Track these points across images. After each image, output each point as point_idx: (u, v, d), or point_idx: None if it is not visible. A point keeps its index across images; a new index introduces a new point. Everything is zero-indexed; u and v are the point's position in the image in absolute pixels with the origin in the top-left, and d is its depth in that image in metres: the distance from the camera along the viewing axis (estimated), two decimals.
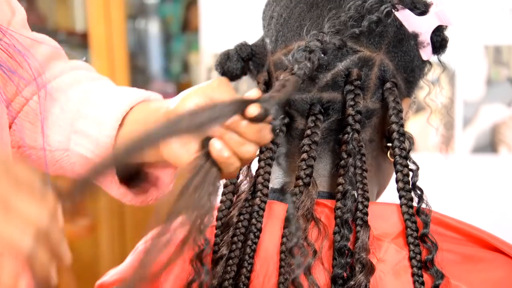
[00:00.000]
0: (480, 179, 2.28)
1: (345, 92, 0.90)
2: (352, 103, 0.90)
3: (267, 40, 0.97)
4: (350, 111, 0.90)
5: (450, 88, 2.19)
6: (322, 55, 0.86)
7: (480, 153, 2.27)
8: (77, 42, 3.71)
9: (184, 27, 4.08)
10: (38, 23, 3.76)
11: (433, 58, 0.99)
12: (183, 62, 4.10)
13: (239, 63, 1.00)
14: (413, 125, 2.12)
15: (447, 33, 0.98)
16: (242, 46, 1.00)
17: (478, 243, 0.91)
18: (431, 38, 0.95)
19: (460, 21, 2.21)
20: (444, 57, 0.99)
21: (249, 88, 0.97)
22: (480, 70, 2.25)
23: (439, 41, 0.97)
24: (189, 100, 0.82)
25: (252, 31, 1.06)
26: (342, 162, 0.89)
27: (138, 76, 3.90)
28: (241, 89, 2.61)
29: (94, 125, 0.96)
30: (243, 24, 2.29)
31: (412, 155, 0.92)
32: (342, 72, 0.90)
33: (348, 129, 0.90)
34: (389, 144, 0.92)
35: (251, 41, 1.02)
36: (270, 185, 0.94)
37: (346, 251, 0.86)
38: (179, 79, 4.09)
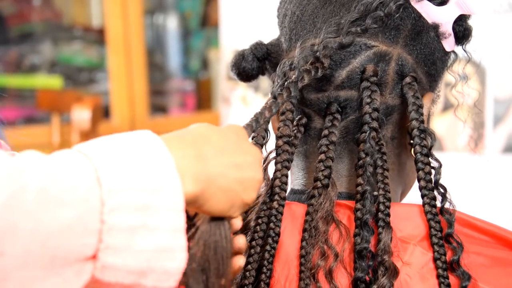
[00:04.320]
0: (511, 179, 2.25)
1: (361, 89, 0.89)
2: (368, 100, 0.89)
3: (282, 39, 0.97)
4: (367, 108, 0.89)
5: (480, 85, 2.16)
6: (324, 62, 0.87)
7: (511, 153, 2.24)
8: (93, 38, 3.72)
9: (203, 22, 4.07)
10: (54, 19, 3.75)
11: (460, 51, 0.97)
12: (202, 59, 4.10)
13: (255, 62, 1.00)
14: (441, 123, 2.09)
15: (470, 22, 0.96)
16: (257, 45, 1.00)
17: (508, 246, 0.89)
18: (453, 28, 0.94)
19: (490, 15, 2.18)
20: (471, 50, 0.97)
21: (270, 86, 0.93)
22: (511, 66, 2.22)
23: (461, 31, 0.95)
24: None
25: (273, 25, 1.04)
26: (360, 161, 0.88)
27: (156, 73, 3.89)
28: (262, 86, 2.56)
29: None
30: (264, 19, 2.26)
31: (441, 154, 0.88)
32: (358, 69, 0.90)
33: (365, 127, 0.89)
34: (412, 142, 0.91)
35: (272, 36, 1.01)
36: (291, 186, 0.94)
37: (367, 254, 0.85)
38: (198, 76, 4.08)
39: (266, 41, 1.01)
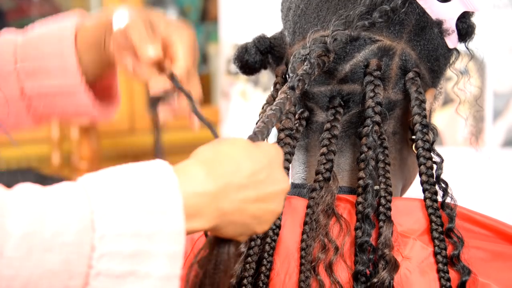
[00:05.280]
0: (511, 173, 2.25)
1: (365, 83, 0.89)
2: (371, 94, 0.89)
3: (285, 32, 0.96)
4: (370, 102, 0.89)
5: (480, 79, 2.16)
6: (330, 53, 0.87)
7: (511, 147, 2.24)
8: None
9: (202, 16, 4.06)
10: (52, 13, 3.74)
11: (462, 47, 0.97)
12: (201, 53, 4.08)
13: (258, 56, 1.00)
14: (441, 118, 2.09)
15: (474, 20, 0.96)
16: (261, 38, 1.00)
17: (508, 240, 0.89)
18: (457, 25, 0.94)
19: (490, 10, 2.18)
20: (473, 46, 0.97)
21: (269, 80, 0.93)
22: (511, 60, 2.22)
23: (465, 28, 0.95)
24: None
25: (273, 20, 1.05)
26: (362, 155, 0.88)
27: None
28: (261, 81, 2.55)
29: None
30: (264, 13, 2.25)
31: (440, 149, 0.91)
32: (361, 63, 0.90)
33: (368, 121, 0.89)
34: (414, 137, 0.91)
35: (272, 30, 1.01)
36: (291, 180, 0.94)
37: (368, 247, 0.85)
38: (198, 70, 4.06)
39: (268, 35, 1.01)
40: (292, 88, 0.85)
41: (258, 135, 0.79)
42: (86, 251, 0.63)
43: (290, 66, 0.91)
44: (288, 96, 0.84)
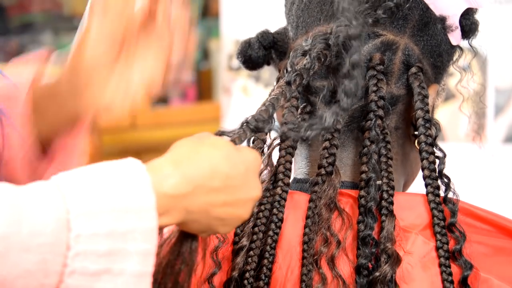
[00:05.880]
0: None
1: (368, 78, 0.89)
2: (374, 88, 0.89)
3: (289, 27, 0.96)
4: (373, 96, 0.89)
5: (481, 75, 2.16)
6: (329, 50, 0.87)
7: None
8: None
9: (204, 12, 4.05)
10: (54, 9, 3.74)
11: (464, 43, 0.97)
12: (203, 49, 4.07)
13: (261, 51, 1.00)
14: (443, 114, 2.08)
15: (477, 16, 0.96)
16: (264, 33, 1.00)
17: (510, 235, 0.90)
18: (460, 21, 0.94)
19: (492, 6, 2.18)
20: (475, 42, 0.97)
21: (271, 76, 0.93)
22: None
23: (468, 25, 0.95)
24: None
25: (274, 15, 1.07)
26: (365, 149, 0.89)
27: None
28: (263, 77, 2.55)
29: None
30: (265, 9, 2.25)
31: (442, 144, 0.91)
32: (364, 57, 0.89)
33: (371, 115, 0.89)
34: (416, 132, 0.91)
35: (273, 26, 1.01)
36: (293, 175, 0.94)
37: (371, 241, 0.86)
38: (199, 66, 4.06)
39: (271, 30, 1.01)
40: (288, 83, 0.85)
41: (242, 137, 0.80)
42: (62, 250, 0.64)
43: (289, 60, 0.91)
44: (283, 92, 0.85)
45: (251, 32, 1.01)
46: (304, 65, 0.86)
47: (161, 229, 0.72)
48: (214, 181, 0.72)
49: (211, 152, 0.73)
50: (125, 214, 0.66)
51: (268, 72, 2.38)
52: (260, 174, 0.89)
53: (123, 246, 0.66)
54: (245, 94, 2.66)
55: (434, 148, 0.89)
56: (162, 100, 3.86)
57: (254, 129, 0.81)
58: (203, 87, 3.95)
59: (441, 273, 0.85)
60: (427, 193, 0.89)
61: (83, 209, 0.65)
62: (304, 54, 0.88)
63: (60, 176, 0.67)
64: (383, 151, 0.89)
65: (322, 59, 0.87)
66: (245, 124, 0.81)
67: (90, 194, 0.66)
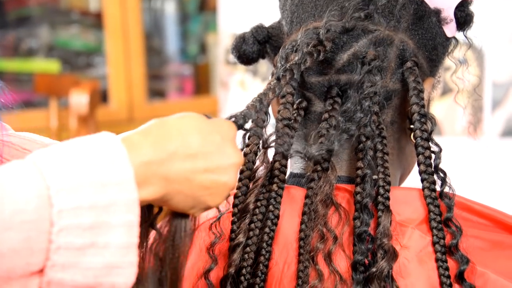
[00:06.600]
0: (510, 163, 2.24)
1: (362, 73, 0.89)
2: (369, 84, 0.88)
3: (283, 22, 0.96)
4: (368, 92, 0.88)
5: (479, 69, 2.16)
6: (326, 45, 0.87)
7: (509, 137, 2.24)
8: (91, 23, 3.70)
9: (201, 6, 4.05)
10: (51, 3, 3.73)
11: (460, 36, 0.97)
12: (200, 43, 4.07)
13: (255, 46, 1.00)
14: (440, 108, 2.08)
15: (474, 10, 0.96)
16: (258, 28, 1.00)
17: (506, 229, 0.90)
18: (455, 14, 0.93)
19: None
20: (472, 35, 0.97)
21: (268, 70, 0.93)
22: (510, 49, 2.21)
23: (463, 17, 0.95)
24: None
25: (271, 10, 1.04)
26: (361, 145, 0.88)
27: (154, 57, 3.87)
28: (260, 71, 2.55)
29: None
30: (263, 3, 2.24)
31: (439, 139, 0.91)
32: (359, 53, 0.89)
33: (366, 111, 0.88)
34: (412, 126, 0.91)
35: (270, 20, 1.00)
36: (290, 170, 0.94)
37: (367, 237, 0.86)
38: (196, 60, 4.06)
39: (266, 24, 1.00)
40: (278, 78, 0.85)
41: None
42: (46, 227, 0.64)
43: (279, 56, 0.91)
44: (272, 87, 0.84)
45: (248, 26, 1.01)
46: (295, 61, 0.86)
47: (145, 202, 0.72)
48: (187, 148, 0.72)
49: (179, 121, 0.74)
50: (105, 187, 0.66)
51: (265, 66, 2.38)
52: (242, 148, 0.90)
53: (106, 218, 0.66)
54: (243, 88, 2.65)
55: (430, 143, 0.89)
56: (159, 93, 3.86)
57: (240, 125, 0.82)
58: (201, 81, 3.95)
59: (438, 267, 0.85)
60: (423, 188, 0.89)
61: (63, 184, 0.65)
62: (294, 49, 0.88)
63: (36, 153, 0.67)
64: (379, 147, 0.89)
65: (315, 55, 0.86)
66: (232, 119, 0.81)
67: (69, 169, 0.66)
